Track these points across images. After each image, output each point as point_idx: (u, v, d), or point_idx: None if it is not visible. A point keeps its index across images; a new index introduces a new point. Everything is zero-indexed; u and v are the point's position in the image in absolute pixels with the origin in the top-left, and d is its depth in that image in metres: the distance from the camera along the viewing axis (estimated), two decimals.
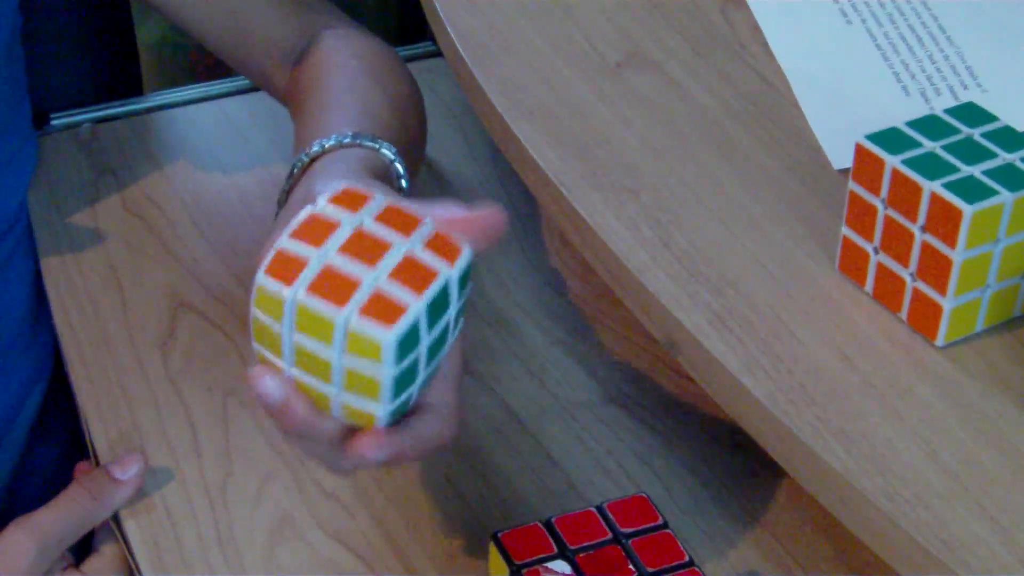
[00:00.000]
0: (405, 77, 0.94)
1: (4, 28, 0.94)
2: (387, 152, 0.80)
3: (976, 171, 0.62)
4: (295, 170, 0.80)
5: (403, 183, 0.80)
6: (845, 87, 0.80)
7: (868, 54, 0.82)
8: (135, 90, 1.18)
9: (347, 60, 0.92)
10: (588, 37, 0.85)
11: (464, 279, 0.64)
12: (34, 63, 1.02)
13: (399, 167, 0.80)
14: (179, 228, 1.03)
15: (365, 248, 0.62)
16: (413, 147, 0.90)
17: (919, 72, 0.80)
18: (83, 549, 0.85)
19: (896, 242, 0.64)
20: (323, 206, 0.64)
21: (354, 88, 0.89)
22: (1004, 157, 0.63)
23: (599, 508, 0.76)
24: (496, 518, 0.81)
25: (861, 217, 0.65)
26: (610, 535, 0.74)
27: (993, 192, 0.61)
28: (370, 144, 0.79)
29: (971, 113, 0.66)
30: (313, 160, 0.79)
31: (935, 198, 0.61)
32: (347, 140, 0.79)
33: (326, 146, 0.79)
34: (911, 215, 0.63)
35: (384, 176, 0.78)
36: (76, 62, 1.15)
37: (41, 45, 1.09)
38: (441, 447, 0.67)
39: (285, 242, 0.62)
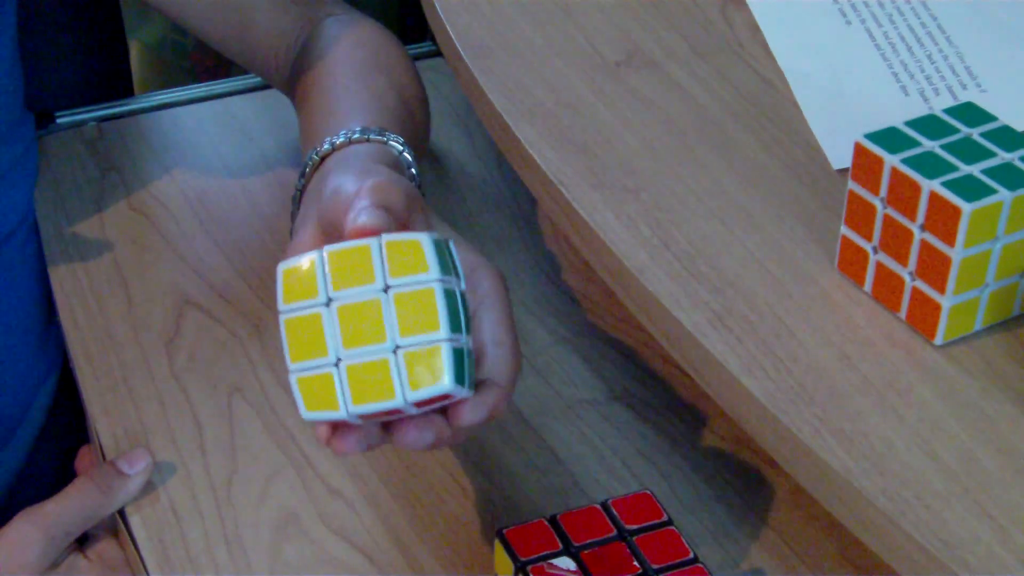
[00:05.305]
0: (407, 63, 0.95)
1: (5, 35, 0.94)
2: (395, 144, 0.81)
3: (975, 170, 0.62)
4: (307, 169, 0.81)
5: (413, 171, 0.81)
6: (844, 87, 0.80)
7: (867, 54, 0.82)
8: (127, 91, 1.18)
9: (351, 49, 0.92)
10: (588, 37, 0.85)
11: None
12: (33, 62, 1.02)
13: (408, 156, 0.81)
14: (184, 226, 1.03)
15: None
16: (419, 132, 0.91)
17: (918, 72, 0.80)
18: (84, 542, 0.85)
19: (895, 241, 0.64)
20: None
21: (360, 78, 0.89)
22: (1003, 156, 0.63)
23: (604, 505, 0.76)
24: (501, 515, 0.81)
25: (860, 216, 0.66)
26: (615, 532, 0.74)
27: (992, 191, 0.61)
28: (378, 138, 0.81)
29: (970, 113, 0.66)
30: (324, 158, 0.80)
31: (934, 197, 0.62)
32: (356, 136, 0.80)
33: (336, 143, 0.80)
34: (910, 214, 0.63)
35: (395, 167, 0.79)
36: (74, 61, 1.15)
37: (38, 45, 1.09)
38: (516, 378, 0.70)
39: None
